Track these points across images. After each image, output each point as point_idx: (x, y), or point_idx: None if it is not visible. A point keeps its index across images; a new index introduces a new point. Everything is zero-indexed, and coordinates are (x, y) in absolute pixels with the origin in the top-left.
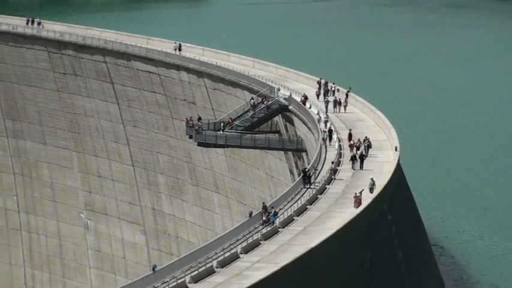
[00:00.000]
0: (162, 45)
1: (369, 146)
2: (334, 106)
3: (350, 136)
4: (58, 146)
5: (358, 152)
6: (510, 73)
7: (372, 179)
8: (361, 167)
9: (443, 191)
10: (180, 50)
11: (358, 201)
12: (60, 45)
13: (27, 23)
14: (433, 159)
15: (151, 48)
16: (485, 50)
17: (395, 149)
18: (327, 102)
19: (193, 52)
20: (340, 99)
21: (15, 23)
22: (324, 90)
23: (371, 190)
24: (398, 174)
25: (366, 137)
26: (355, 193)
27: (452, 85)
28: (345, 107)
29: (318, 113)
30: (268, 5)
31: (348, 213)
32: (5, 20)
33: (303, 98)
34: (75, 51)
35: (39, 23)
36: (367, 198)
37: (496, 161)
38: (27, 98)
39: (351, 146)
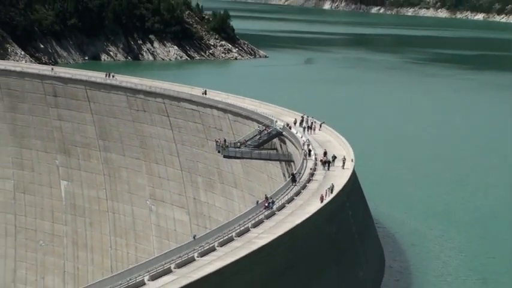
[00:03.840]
0: (200, 92)
1: (344, 161)
2: (308, 130)
3: (325, 153)
4: (132, 157)
5: (327, 160)
6: (432, 107)
7: (332, 183)
8: (328, 169)
9: (385, 189)
10: (205, 94)
11: (321, 197)
12: (134, 91)
13: (106, 76)
14: (377, 167)
15: (194, 94)
16: (413, 96)
17: (352, 160)
18: (304, 128)
19: (220, 96)
20: (314, 126)
21: (103, 77)
22: (300, 121)
23: (331, 190)
24: (354, 177)
25: (344, 157)
26: (322, 194)
27: (393, 118)
28: (314, 130)
29: (302, 137)
30: (272, 66)
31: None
32: (98, 74)
33: (288, 126)
34: (144, 95)
35: (113, 76)
36: (329, 195)
37: (427, 168)
38: (113, 126)
39: (321, 160)
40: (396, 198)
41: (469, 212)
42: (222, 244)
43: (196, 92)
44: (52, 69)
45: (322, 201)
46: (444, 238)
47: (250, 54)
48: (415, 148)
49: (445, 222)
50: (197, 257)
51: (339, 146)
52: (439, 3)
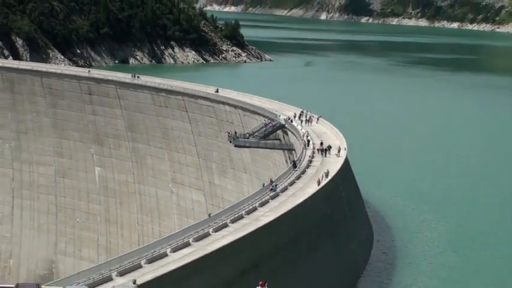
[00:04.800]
0: (213, 90)
1: (339, 150)
2: (306, 123)
3: (321, 143)
4: (156, 146)
5: (323, 149)
6: (414, 102)
7: (327, 169)
8: (325, 156)
9: (373, 173)
10: (217, 92)
11: (318, 181)
12: (158, 90)
13: (132, 76)
14: (368, 156)
15: (209, 92)
16: (398, 93)
17: (345, 149)
18: (301, 121)
19: (231, 94)
20: (311, 119)
21: (130, 77)
22: (299, 115)
23: (327, 175)
24: (346, 163)
25: (338, 147)
26: (318, 178)
27: (381, 111)
28: (311, 122)
29: (301, 129)
30: (276, 68)
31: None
32: (127, 75)
33: (290, 119)
34: (166, 93)
35: (138, 76)
36: (324, 179)
37: (412, 155)
38: (140, 119)
39: (318, 149)
40: (384, 182)
41: (449, 194)
42: (233, 221)
43: (210, 90)
44: (89, 71)
45: (319, 185)
46: (426, 217)
47: (258, 58)
48: (402, 138)
49: (427, 203)
50: (212, 232)
51: (334, 137)
52: (419, 14)
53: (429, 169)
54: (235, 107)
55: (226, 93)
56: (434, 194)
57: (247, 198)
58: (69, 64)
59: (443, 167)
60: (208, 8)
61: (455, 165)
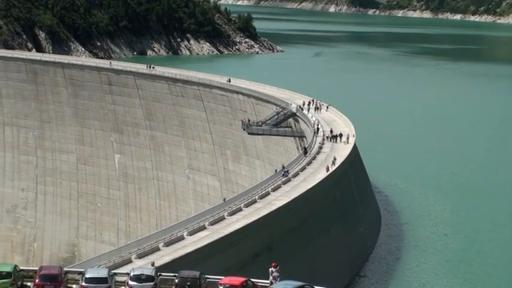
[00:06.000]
0: (225, 80)
1: (348, 138)
2: (315, 110)
3: (331, 131)
4: (173, 134)
5: (333, 136)
6: (419, 90)
7: (334, 157)
8: (336, 142)
9: (380, 158)
10: (229, 81)
11: (327, 168)
12: (174, 80)
13: (147, 67)
14: (374, 141)
15: (222, 82)
16: (403, 81)
17: (353, 136)
18: (309, 109)
19: (244, 83)
20: (321, 107)
21: (145, 68)
22: (308, 102)
23: (334, 162)
24: (355, 149)
25: (348, 134)
26: (327, 165)
27: (388, 99)
28: (320, 110)
29: (312, 117)
30: (287, 59)
31: None
32: (144, 66)
33: (300, 108)
34: (182, 83)
35: (153, 67)
36: (332, 166)
37: (419, 141)
38: (157, 108)
39: (328, 137)
40: (392, 167)
41: (455, 179)
42: (247, 205)
43: (224, 80)
44: (110, 63)
45: (327, 171)
46: (433, 201)
47: (269, 49)
48: (409, 124)
49: (434, 188)
50: (227, 216)
51: (343, 124)
52: (424, 6)
53: (436, 154)
54: (248, 96)
55: (239, 82)
56: (440, 179)
57: (260, 184)
58: (90, 56)
59: (454, 151)
60: (222, 1)
61: (461, 151)
